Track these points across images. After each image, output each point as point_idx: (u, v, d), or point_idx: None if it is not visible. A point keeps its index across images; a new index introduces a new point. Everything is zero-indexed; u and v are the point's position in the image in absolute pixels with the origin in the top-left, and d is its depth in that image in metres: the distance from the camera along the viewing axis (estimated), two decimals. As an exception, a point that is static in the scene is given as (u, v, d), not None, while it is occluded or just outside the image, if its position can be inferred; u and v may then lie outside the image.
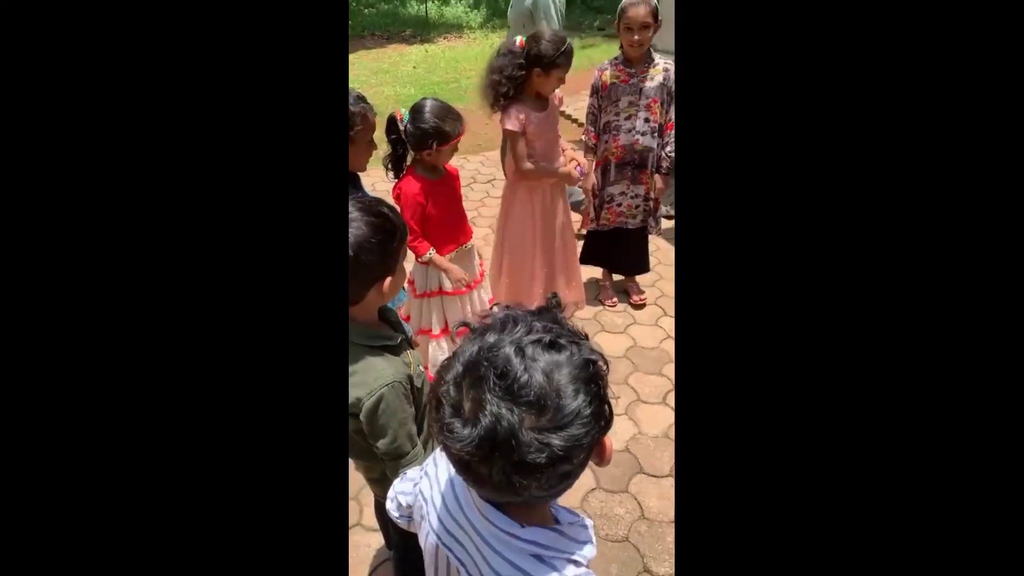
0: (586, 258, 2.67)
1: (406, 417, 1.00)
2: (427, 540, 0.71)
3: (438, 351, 2.03)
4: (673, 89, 2.24)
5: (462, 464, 0.55)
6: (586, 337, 0.59)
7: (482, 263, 2.19)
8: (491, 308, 0.62)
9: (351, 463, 1.17)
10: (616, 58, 2.27)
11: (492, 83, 2.04)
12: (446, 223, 1.90)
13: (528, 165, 2.11)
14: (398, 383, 0.98)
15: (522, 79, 2.02)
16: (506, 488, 0.54)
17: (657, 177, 2.36)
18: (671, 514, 1.73)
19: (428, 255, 1.85)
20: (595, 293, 2.75)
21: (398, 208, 1.71)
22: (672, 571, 1.57)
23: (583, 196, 2.64)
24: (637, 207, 2.46)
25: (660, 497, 1.78)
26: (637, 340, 2.48)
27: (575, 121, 4.74)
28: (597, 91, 2.31)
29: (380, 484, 1.12)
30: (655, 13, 2.12)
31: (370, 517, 1.69)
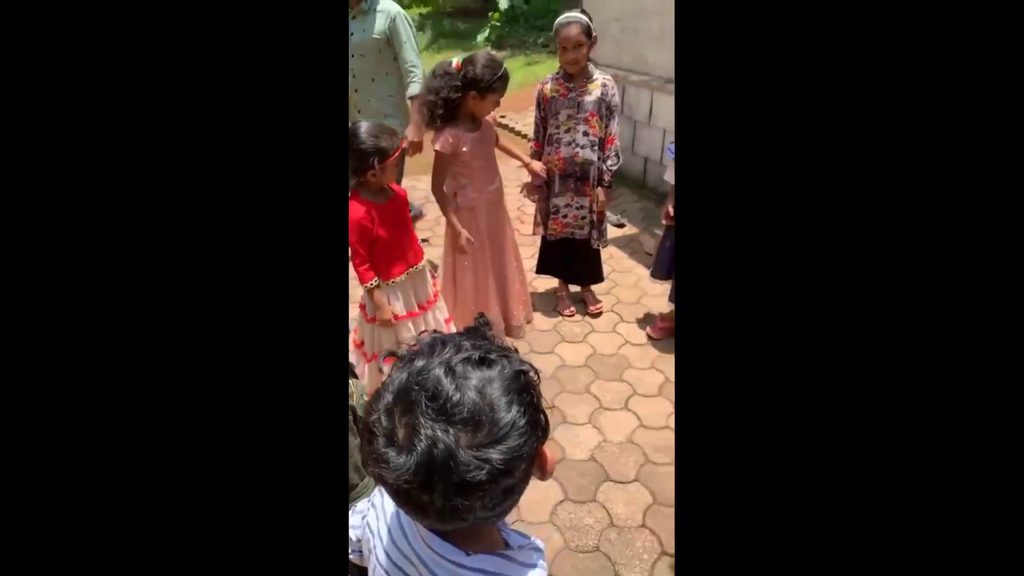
0: (541, 269, 2.72)
1: (351, 448, 0.98)
2: (375, 574, 0.70)
3: (392, 377, 2.01)
4: (612, 103, 2.31)
5: (401, 494, 0.54)
6: (516, 351, 0.59)
7: (436, 282, 2.18)
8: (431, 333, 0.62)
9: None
10: (557, 73, 2.36)
11: (428, 104, 2.06)
12: (395, 246, 1.89)
13: (441, 192, 2.16)
14: (345, 414, 0.96)
15: (457, 101, 2.04)
16: (449, 514, 0.52)
17: (600, 190, 2.41)
18: (639, 518, 1.74)
19: (371, 284, 1.84)
20: (553, 304, 2.78)
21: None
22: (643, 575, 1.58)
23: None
24: (583, 218, 2.50)
25: (627, 503, 1.79)
26: (596, 348, 2.51)
27: (523, 136, 4.80)
28: (540, 104, 2.39)
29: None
30: (588, 31, 2.20)
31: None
